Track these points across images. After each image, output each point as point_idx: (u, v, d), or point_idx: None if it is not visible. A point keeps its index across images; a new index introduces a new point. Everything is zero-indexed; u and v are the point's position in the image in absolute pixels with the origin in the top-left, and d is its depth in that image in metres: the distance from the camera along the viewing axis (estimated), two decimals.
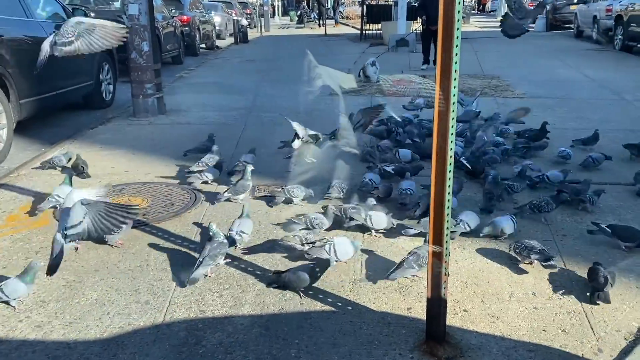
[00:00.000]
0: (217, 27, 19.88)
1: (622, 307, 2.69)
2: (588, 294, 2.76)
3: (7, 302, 2.74)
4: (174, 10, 13.76)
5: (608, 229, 3.23)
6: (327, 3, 31.29)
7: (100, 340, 2.47)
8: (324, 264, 2.84)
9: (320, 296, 2.79)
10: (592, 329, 2.53)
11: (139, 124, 6.63)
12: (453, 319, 2.57)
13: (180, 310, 2.69)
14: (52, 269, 2.90)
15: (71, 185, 3.87)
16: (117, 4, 11.13)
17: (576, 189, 3.86)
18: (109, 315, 2.65)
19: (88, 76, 7.46)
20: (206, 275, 2.96)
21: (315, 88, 3.66)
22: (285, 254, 3.20)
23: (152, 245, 3.37)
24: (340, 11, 33.31)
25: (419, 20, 12.16)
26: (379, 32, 18.10)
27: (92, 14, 9.32)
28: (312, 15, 33.12)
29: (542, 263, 3.03)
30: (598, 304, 2.69)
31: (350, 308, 2.70)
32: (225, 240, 3.03)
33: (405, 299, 2.77)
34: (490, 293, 2.82)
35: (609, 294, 2.72)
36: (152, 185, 4.41)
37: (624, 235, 3.21)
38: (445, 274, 2.31)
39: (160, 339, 2.47)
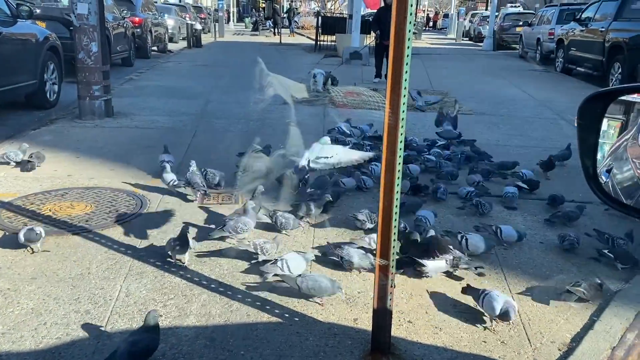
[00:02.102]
0: (169, 30, 19.53)
1: (557, 319, 2.81)
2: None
3: None
4: (125, 11, 13.42)
5: (611, 254, 3.39)
6: (282, 12, 31.38)
7: (36, 351, 2.37)
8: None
9: (268, 307, 2.78)
10: (529, 340, 2.63)
11: (85, 127, 6.42)
12: (398, 330, 2.62)
13: (122, 321, 2.61)
14: None
15: None
16: (65, 1, 10.76)
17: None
18: (46, 326, 2.54)
19: (31, 75, 7.14)
20: None
21: (267, 96, 3.67)
22: (234, 267, 3.17)
23: (95, 253, 3.26)
24: (295, 21, 33.43)
25: (373, 34, 12.38)
26: (333, 43, 18.29)
27: (38, 11, 8.98)
28: (267, 24, 33.10)
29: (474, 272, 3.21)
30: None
31: (297, 319, 2.70)
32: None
33: (352, 310, 2.80)
34: (434, 304, 2.89)
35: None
36: (96, 190, 4.28)
37: (623, 258, 3.37)
38: (391, 286, 2.35)
39: (100, 350, 2.39)
